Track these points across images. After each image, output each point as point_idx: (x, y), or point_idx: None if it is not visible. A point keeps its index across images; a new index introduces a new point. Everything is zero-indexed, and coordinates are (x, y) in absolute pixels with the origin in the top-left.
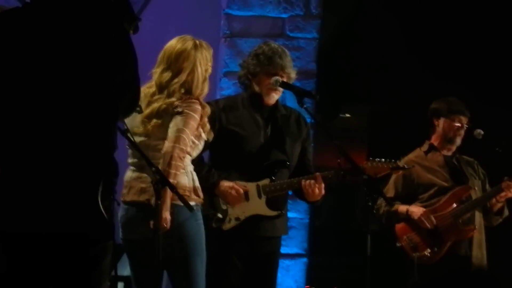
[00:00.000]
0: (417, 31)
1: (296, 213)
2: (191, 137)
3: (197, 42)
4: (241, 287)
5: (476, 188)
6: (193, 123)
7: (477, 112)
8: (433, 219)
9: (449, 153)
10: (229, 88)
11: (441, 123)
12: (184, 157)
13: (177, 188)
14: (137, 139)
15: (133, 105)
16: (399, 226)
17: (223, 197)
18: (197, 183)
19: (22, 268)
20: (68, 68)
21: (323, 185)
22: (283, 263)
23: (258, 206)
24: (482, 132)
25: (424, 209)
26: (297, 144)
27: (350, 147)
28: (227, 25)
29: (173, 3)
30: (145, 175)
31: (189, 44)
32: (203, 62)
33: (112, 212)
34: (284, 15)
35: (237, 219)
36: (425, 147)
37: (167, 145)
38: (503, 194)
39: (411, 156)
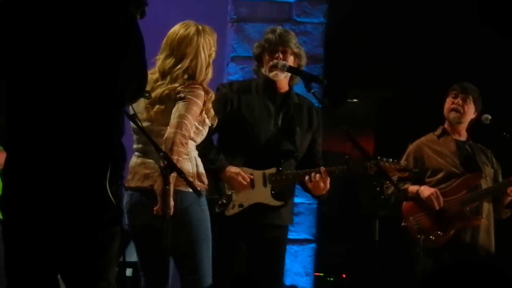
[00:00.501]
0: (425, 16)
1: (304, 198)
2: (194, 122)
3: (200, 27)
4: (247, 272)
5: (487, 177)
6: (196, 109)
7: (486, 98)
8: (441, 200)
9: (462, 138)
10: (236, 73)
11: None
12: (186, 143)
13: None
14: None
15: (140, 90)
16: (406, 206)
17: (228, 183)
18: (201, 169)
19: (30, 254)
20: (74, 53)
21: (328, 179)
22: (291, 249)
23: (262, 195)
24: (489, 117)
25: (434, 189)
26: (307, 134)
27: (357, 132)
28: (234, 10)
29: None
30: (149, 160)
31: (192, 29)
32: (206, 47)
33: (120, 197)
34: (291, 0)
35: (240, 205)
36: (438, 131)
37: (169, 130)
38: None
39: (423, 139)
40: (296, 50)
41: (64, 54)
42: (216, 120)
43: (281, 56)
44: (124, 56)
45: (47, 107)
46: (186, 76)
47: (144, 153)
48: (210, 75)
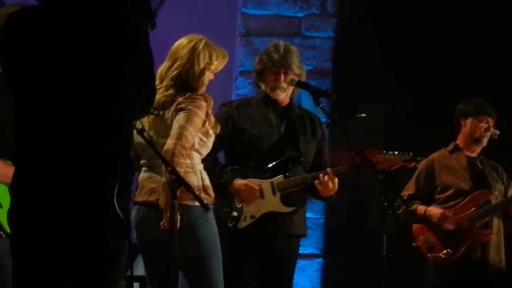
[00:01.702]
0: (435, 29)
1: (312, 213)
2: (197, 134)
3: (206, 40)
4: (258, 286)
5: (496, 193)
6: (197, 120)
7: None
8: (451, 221)
9: (474, 155)
10: (245, 87)
11: (468, 123)
12: (187, 154)
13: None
14: (144, 137)
15: (148, 104)
16: (416, 226)
17: (237, 195)
18: (206, 182)
19: (38, 268)
20: (84, 67)
21: (336, 179)
22: (298, 263)
23: (273, 203)
24: (498, 132)
25: (442, 211)
26: (312, 143)
27: (367, 147)
28: (243, 24)
29: (189, 1)
30: (155, 174)
31: (194, 38)
32: (203, 56)
33: (128, 211)
34: (300, 14)
35: (252, 216)
36: (450, 147)
37: (169, 142)
38: None
39: (435, 155)
40: (297, 71)
41: (74, 68)
42: (219, 127)
43: (283, 77)
44: (133, 70)
45: (56, 121)
46: (178, 81)
47: (150, 167)
48: (205, 84)
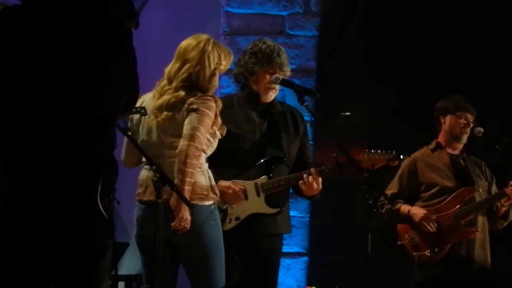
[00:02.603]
0: (420, 28)
1: (296, 212)
2: (206, 135)
3: (212, 40)
4: (243, 286)
5: (480, 190)
6: (208, 121)
7: (479, 110)
8: (434, 223)
9: (456, 152)
10: (228, 86)
11: (447, 120)
12: (199, 156)
13: (195, 187)
14: (149, 136)
15: (131, 103)
16: (401, 225)
17: (221, 197)
18: (213, 181)
19: (22, 267)
20: (66, 66)
21: (320, 179)
22: (283, 262)
23: (257, 204)
24: (482, 130)
25: (425, 212)
26: (295, 140)
27: (351, 146)
28: (227, 23)
29: (173, 0)
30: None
31: (202, 38)
32: (213, 57)
33: (111, 210)
34: (283, 13)
35: (237, 218)
36: (432, 145)
37: (182, 143)
38: (506, 199)
39: (417, 153)
40: (288, 73)
41: (56, 69)
42: (225, 130)
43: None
44: (115, 69)
45: (38, 120)
46: (188, 83)
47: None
48: (215, 85)
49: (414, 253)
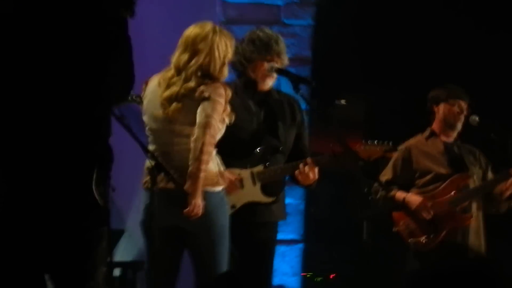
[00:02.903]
0: (416, 19)
1: (292, 199)
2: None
3: (217, 28)
4: (239, 274)
5: (475, 177)
6: (220, 108)
7: (473, 100)
8: (429, 209)
9: (450, 140)
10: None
11: (441, 108)
12: (214, 143)
13: (206, 173)
14: (157, 124)
15: (126, 92)
16: (396, 212)
17: None
18: (222, 167)
19: (17, 255)
20: (61, 55)
21: (316, 169)
22: (278, 249)
23: (253, 193)
24: (477, 119)
25: (421, 199)
26: (291, 129)
27: (346, 134)
28: (223, 12)
29: None
30: (171, 161)
31: (208, 27)
32: (221, 47)
33: (107, 198)
34: (279, 2)
35: (232, 206)
36: (426, 133)
37: (198, 131)
38: (510, 181)
39: (412, 141)
40: (285, 62)
41: (50, 54)
42: (233, 117)
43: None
44: (111, 57)
45: (31, 108)
46: (199, 74)
47: (164, 154)
48: (225, 75)
49: (410, 239)
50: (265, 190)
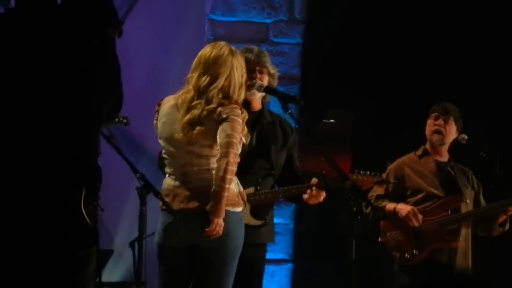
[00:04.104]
0: (403, 37)
1: (281, 219)
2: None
3: (233, 48)
4: None
5: (468, 201)
6: (239, 128)
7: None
8: (419, 217)
9: (443, 159)
10: None
11: (426, 126)
12: (238, 162)
13: (228, 193)
14: (176, 146)
15: (115, 111)
16: (384, 222)
17: None
18: (241, 188)
19: (5, 275)
20: (49, 74)
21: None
22: (268, 269)
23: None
24: (466, 137)
25: (412, 207)
26: (283, 151)
27: (335, 151)
28: (211, 30)
29: (157, 8)
30: (189, 181)
31: (225, 50)
32: (239, 68)
33: (96, 218)
34: (268, 21)
35: None
36: (419, 151)
37: (222, 151)
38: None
39: (404, 158)
40: (272, 71)
41: (38, 74)
42: (249, 137)
43: (258, 75)
44: (99, 77)
45: (20, 125)
46: (220, 95)
47: (183, 175)
48: (243, 96)
49: (394, 253)
50: (254, 212)
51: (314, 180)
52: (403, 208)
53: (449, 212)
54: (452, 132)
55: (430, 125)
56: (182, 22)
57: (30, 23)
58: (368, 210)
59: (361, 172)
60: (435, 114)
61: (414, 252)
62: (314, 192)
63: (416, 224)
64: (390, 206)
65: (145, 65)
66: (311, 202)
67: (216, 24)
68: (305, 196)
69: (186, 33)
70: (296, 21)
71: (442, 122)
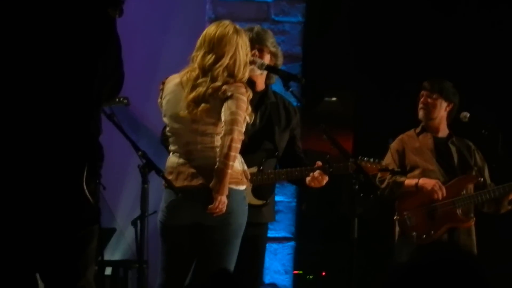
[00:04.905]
0: (405, 15)
1: (283, 197)
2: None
3: (237, 27)
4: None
5: (481, 179)
6: (244, 106)
7: (467, 95)
8: (444, 190)
9: (442, 135)
10: None
11: None
12: (242, 139)
13: (232, 171)
14: (180, 124)
15: (116, 90)
16: (401, 201)
17: None
18: (245, 166)
19: (8, 253)
20: (50, 54)
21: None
22: (270, 247)
23: None
24: (468, 115)
25: (436, 180)
26: (285, 132)
27: (336, 131)
28: (212, 9)
29: None
30: (194, 159)
31: (230, 28)
32: (244, 47)
33: (97, 196)
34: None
35: None
36: (418, 128)
37: (226, 128)
38: None
39: (404, 135)
40: (273, 49)
41: (39, 54)
42: (253, 117)
43: (257, 54)
44: (100, 56)
45: (21, 106)
46: (226, 74)
47: (187, 153)
48: (247, 75)
49: (414, 233)
50: (256, 192)
51: (318, 163)
52: (427, 182)
53: (463, 192)
54: (439, 107)
55: (419, 99)
56: (183, 1)
57: (29, 4)
58: (385, 184)
59: (365, 159)
60: (422, 92)
61: (431, 232)
62: (316, 174)
63: (440, 198)
64: (410, 181)
65: (146, 44)
66: (313, 184)
67: (217, 3)
68: (308, 179)
69: (187, 13)
70: (297, 0)
71: (428, 99)
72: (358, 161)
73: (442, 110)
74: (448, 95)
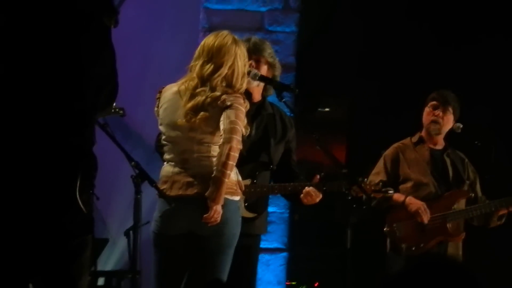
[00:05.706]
0: (399, 24)
1: (276, 208)
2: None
3: (236, 37)
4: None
5: (472, 195)
6: (242, 116)
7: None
8: (429, 214)
9: (438, 147)
10: None
11: (423, 114)
12: (240, 149)
13: (227, 181)
14: (177, 132)
15: (111, 100)
16: (391, 213)
17: None
18: (239, 177)
19: (1, 263)
20: (45, 62)
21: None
22: (263, 258)
23: None
24: (461, 126)
25: (421, 203)
26: (280, 144)
27: (329, 140)
28: (206, 19)
29: None
30: (189, 168)
31: (229, 38)
32: (242, 57)
33: (91, 206)
34: (263, 9)
35: None
36: (415, 138)
37: (225, 136)
38: None
39: (400, 143)
40: (270, 60)
41: (33, 61)
42: (249, 129)
43: (254, 64)
44: (94, 65)
45: (15, 114)
46: (224, 84)
47: (182, 162)
48: (245, 85)
49: (403, 245)
50: (248, 205)
51: (316, 179)
52: (413, 203)
53: (454, 206)
54: (449, 122)
55: (428, 114)
56: (177, 10)
57: (25, 10)
58: (373, 195)
59: (359, 179)
60: (433, 103)
61: (421, 245)
62: (310, 190)
63: (425, 221)
64: (399, 197)
65: (140, 54)
66: (305, 201)
67: (211, 13)
68: (301, 196)
69: (181, 22)
70: (291, 10)
71: (441, 113)
72: (358, 183)
73: (450, 125)
74: (457, 111)
